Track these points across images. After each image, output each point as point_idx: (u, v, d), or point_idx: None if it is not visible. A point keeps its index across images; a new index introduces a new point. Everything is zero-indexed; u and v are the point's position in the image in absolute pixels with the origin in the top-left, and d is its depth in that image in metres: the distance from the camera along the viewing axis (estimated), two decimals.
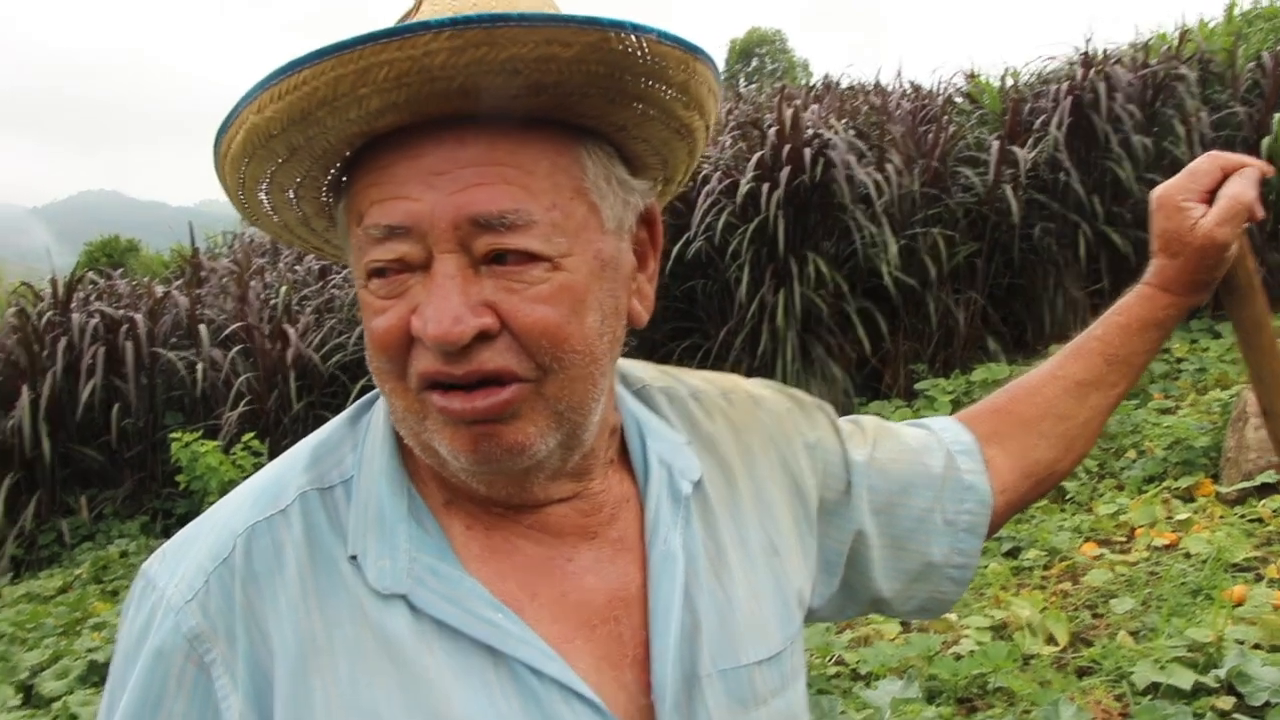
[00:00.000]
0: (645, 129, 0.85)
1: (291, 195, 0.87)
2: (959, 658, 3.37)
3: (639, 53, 0.76)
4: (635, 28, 0.75)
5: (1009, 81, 9.78)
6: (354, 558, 0.84)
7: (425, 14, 0.82)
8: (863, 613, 1.21)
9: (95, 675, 4.67)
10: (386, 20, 0.87)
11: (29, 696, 4.61)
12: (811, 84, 14.13)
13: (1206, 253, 1.17)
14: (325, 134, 0.78)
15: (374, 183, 0.79)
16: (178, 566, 0.86)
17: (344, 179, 0.84)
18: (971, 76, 10.23)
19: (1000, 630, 3.67)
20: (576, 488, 0.91)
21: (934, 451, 1.17)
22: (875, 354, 7.61)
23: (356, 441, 0.91)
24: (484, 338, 0.78)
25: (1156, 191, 1.22)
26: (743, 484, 1.01)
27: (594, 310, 0.82)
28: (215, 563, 0.84)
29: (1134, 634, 3.50)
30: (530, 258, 0.78)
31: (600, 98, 0.79)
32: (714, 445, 1.01)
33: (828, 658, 3.68)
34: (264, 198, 0.87)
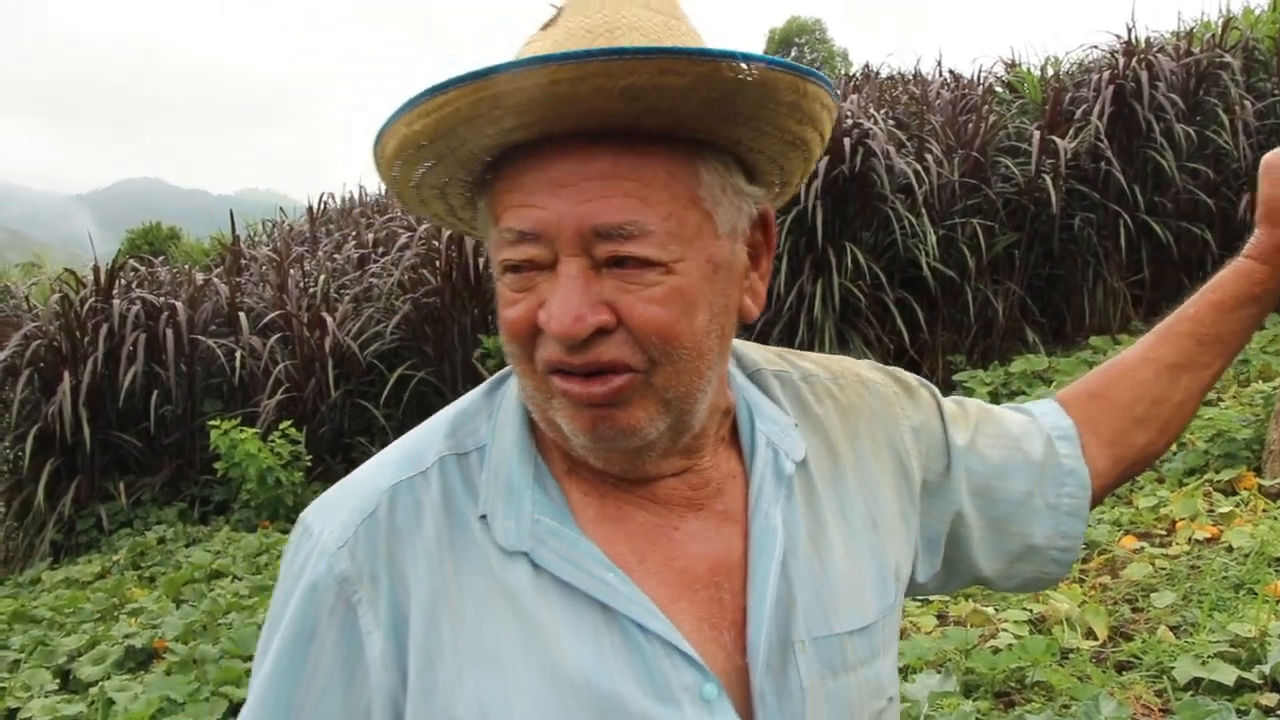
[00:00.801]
0: (760, 143, 0.92)
1: (439, 192, 0.97)
2: (996, 651, 3.33)
3: (749, 78, 0.83)
4: (745, 57, 0.82)
5: (1049, 71, 9.67)
6: (484, 517, 0.94)
7: (557, 37, 0.90)
8: (966, 587, 1.28)
9: (132, 661, 4.71)
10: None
11: (66, 681, 4.65)
12: (851, 73, 14.03)
13: None
14: (465, 145, 0.88)
15: (508, 189, 0.89)
16: (331, 517, 0.97)
17: (487, 177, 0.93)
18: (1012, 65, 10.12)
19: (1038, 624, 3.62)
20: (686, 464, 0.99)
21: (1034, 437, 1.20)
22: (913, 345, 7.56)
23: (491, 412, 1.01)
24: (601, 332, 0.86)
25: (1267, 157, 1.18)
26: (847, 462, 1.08)
27: (704, 309, 0.90)
28: (363, 516, 0.95)
29: (1174, 629, 3.45)
30: (646, 263, 0.86)
31: (714, 118, 0.86)
32: (821, 426, 1.08)
33: None
34: (415, 192, 0.97)
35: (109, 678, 4.46)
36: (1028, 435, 1.19)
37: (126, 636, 4.89)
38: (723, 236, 0.91)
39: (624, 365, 0.88)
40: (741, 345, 1.11)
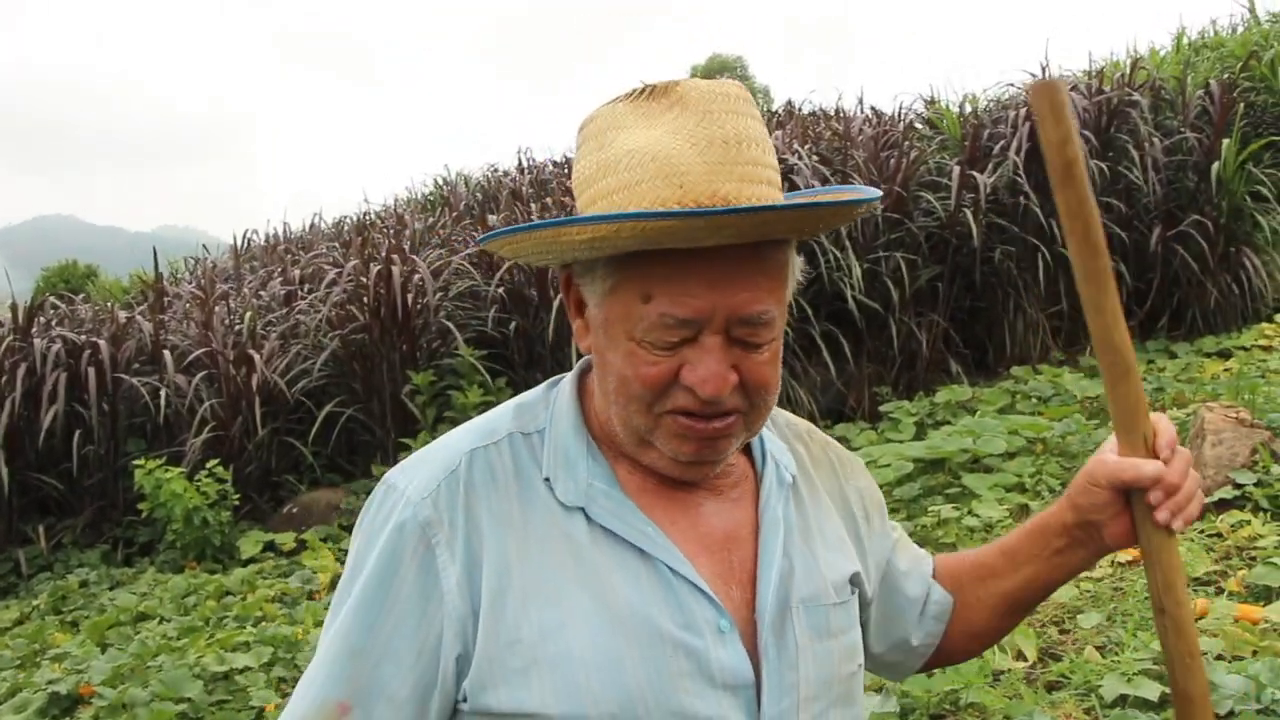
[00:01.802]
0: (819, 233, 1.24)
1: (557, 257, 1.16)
2: (931, 674, 3.40)
3: (864, 210, 1.16)
4: (869, 200, 1.14)
5: (968, 107, 9.94)
6: (547, 480, 1.16)
7: (692, 138, 1.07)
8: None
9: (56, 708, 4.59)
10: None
11: None
12: (774, 110, 14.26)
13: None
14: (646, 245, 1.05)
15: (668, 276, 1.07)
16: (416, 474, 1.17)
17: (627, 256, 1.09)
18: (931, 102, 10.39)
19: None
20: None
21: (923, 575, 1.48)
22: (839, 377, 7.67)
23: (548, 405, 1.24)
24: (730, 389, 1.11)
25: (1094, 462, 1.31)
26: (818, 489, 1.34)
27: (780, 361, 1.18)
28: (446, 473, 1.16)
29: (1100, 649, 3.55)
30: (765, 339, 1.12)
31: (825, 228, 1.20)
32: (801, 458, 1.35)
33: None
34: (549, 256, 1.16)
35: None
36: (921, 569, 1.48)
37: (50, 683, 4.75)
38: (788, 301, 1.18)
39: (734, 409, 1.13)
40: None
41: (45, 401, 7.77)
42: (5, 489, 7.49)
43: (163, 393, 7.90)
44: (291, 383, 8.03)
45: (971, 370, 8.15)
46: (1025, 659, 3.56)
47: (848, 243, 7.62)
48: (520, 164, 14.23)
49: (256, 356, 8.00)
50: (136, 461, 7.10)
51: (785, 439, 1.35)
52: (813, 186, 7.66)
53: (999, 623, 1.45)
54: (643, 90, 1.12)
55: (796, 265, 1.19)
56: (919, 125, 10.02)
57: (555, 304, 7.75)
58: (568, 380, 1.25)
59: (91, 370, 7.99)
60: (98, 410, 7.91)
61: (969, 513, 5.00)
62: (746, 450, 1.29)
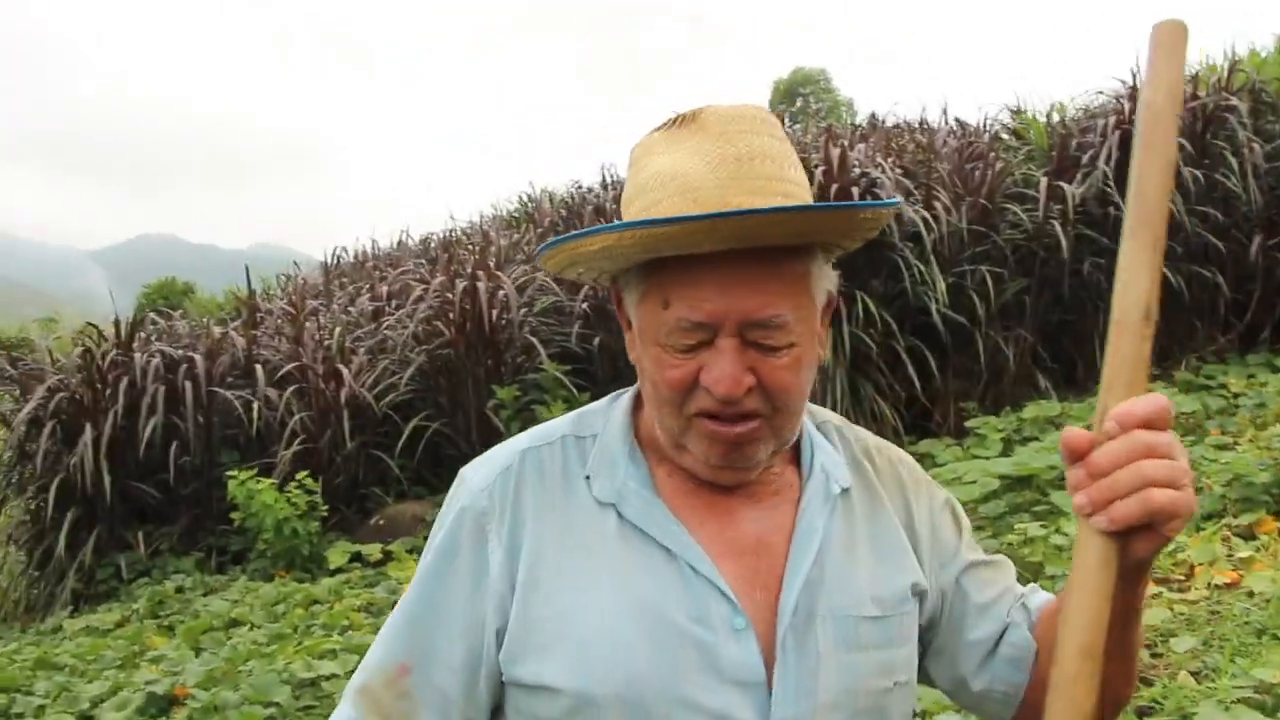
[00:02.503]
0: (844, 243, 1.23)
1: (595, 273, 1.25)
2: None
3: (871, 217, 1.17)
4: (869, 205, 1.16)
5: (1055, 117, 9.77)
6: (588, 478, 1.25)
7: (707, 157, 1.15)
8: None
9: (153, 707, 4.73)
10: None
11: None
12: (857, 123, 14.16)
13: None
14: (655, 254, 1.13)
15: (680, 284, 1.14)
16: (480, 469, 1.29)
17: (648, 264, 1.17)
18: (1017, 112, 10.23)
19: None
20: (759, 474, 1.27)
21: (1010, 597, 1.38)
22: (925, 392, 7.58)
23: (607, 415, 1.32)
24: (745, 390, 1.14)
25: None
26: (886, 502, 1.35)
27: (808, 368, 1.20)
28: (502, 469, 1.27)
29: (1195, 674, 3.44)
30: (781, 343, 1.15)
31: (834, 236, 1.19)
32: (867, 472, 1.36)
33: None
34: (580, 271, 1.24)
35: None
36: (999, 608, 1.35)
37: (148, 683, 4.90)
38: (818, 309, 1.21)
39: (756, 413, 1.16)
40: (814, 406, 1.38)
41: (145, 413, 8.03)
42: (107, 497, 7.75)
43: (255, 406, 8.11)
44: (379, 397, 8.19)
45: (1060, 385, 8.00)
46: None
47: (932, 256, 7.53)
48: (603, 180, 14.33)
49: (345, 371, 8.18)
50: (230, 472, 7.30)
51: (852, 454, 1.37)
52: (894, 198, 7.61)
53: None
54: (673, 119, 1.22)
55: (827, 276, 1.22)
56: (1005, 136, 9.88)
57: None
58: (630, 391, 1.34)
59: (188, 384, 8.24)
60: (194, 422, 8.15)
61: (1057, 531, 4.88)
62: (796, 462, 1.32)
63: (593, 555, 1.21)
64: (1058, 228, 7.80)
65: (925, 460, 6.63)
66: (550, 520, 1.23)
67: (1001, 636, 1.33)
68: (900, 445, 7.04)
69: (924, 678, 1.38)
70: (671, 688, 1.15)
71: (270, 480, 7.25)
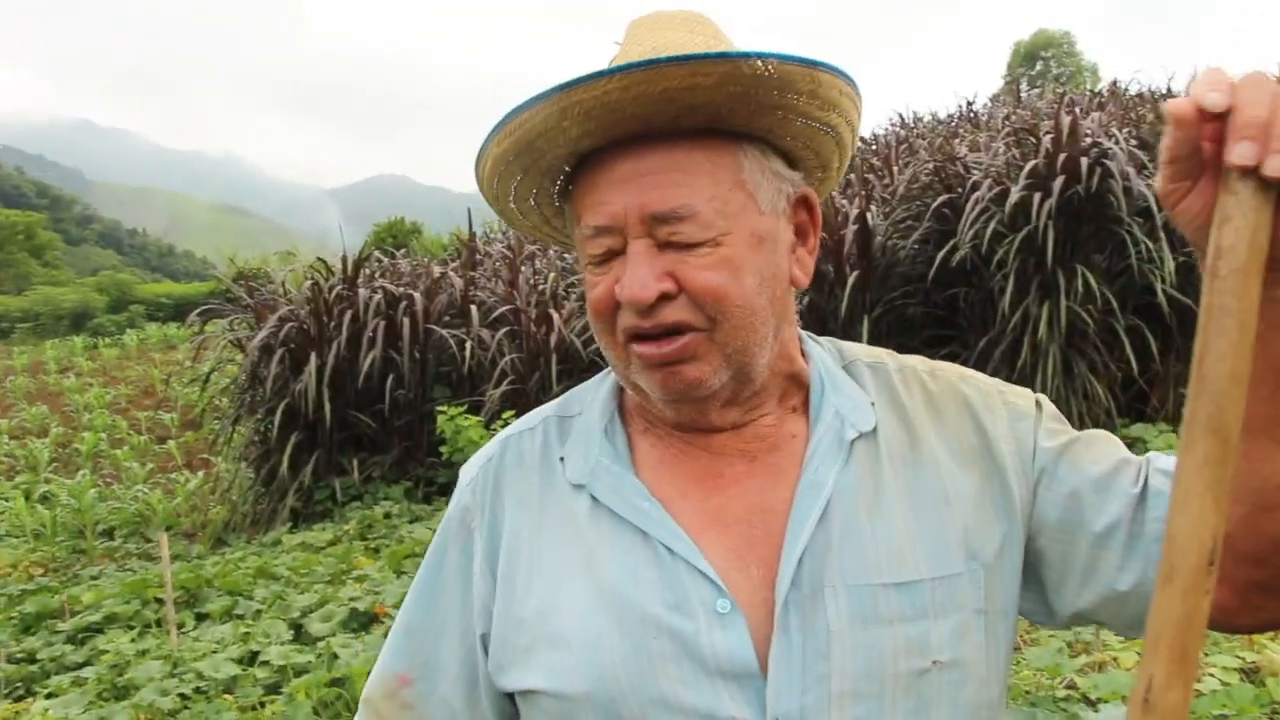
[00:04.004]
0: (788, 129, 1.06)
1: (532, 203, 1.15)
2: (1200, 695, 3.15)
3: (766, 73, 0.97)
4: (759, 55, 0.97)
5: None
6: (562, 459, 1.15)
7: (615, 62, 1.04)
8: (1086, 613, 1.11)
9: (355, 621, 5.04)
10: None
11: (299, 633, 5.03)
12: (1096, 89, 13.43)
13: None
14: (544, 156, 1.05)
15: (584, 193, 1.06)
16: (471, 464, 1.22)
17: (569, 187, 1.10)
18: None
19: (1251, 674, 3.40)
20: (746, 417, 1.13)
21: (1131, 467, 1.08)
22: (1143, 374, 7.18)
23: (595, 390, 1.22)
24: (666, 298, 1.02)
25: None
26: (925, 443, 1.12)
27: (751, 275, 1.04)
28: (485, 460, 1.20)
29: None
30: (697, 239, 1.02)
31: (744, 111, 1.01)
32: (904, 411, 1.14)
33: (1058, 679, 3.53)
34: (513, 205, 1.16)
35: (335, 634, 4.82)
36: (1120, 482, 1.07)
37: (352, 599, 5.24)
38: (765, 213, 1.06)
39: (688, 325, 1.02)
40: (849, 344, 1.23)
41: (365, 346, 8.49)
42: (328, 423, 8.24)
43: (468, 345, 8.43)
44: (587, 343, 8.36)
45: None
46: None
47: (1162, 233, 7.09)
48: None
49: (556, 316, 8.39)
50: (440, 408, 7.61)
51: (890, 389, 1.15)
52: (1125, 173, 7.20)
53: (1243, 521, 0.94)
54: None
55: (775, 173, 1.06)
56: None
57: (850, 280, 7.67)
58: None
59: (406, 320, 8.65)
60: (410, 357, 8.55)
61: None
62: (807, 410, 1.13)
63: (566, 543, 1.10)
64: None
65: (1135, 446, 6.30)
66: (528, 510, 1.14)
67: (1138, 512, 1.05)
68: (1111, 428, 6.71)
69: (1077, 619, 1.11)
70: (644, 685, 1.02)
71: (477, 418, 7.52)
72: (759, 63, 0.97)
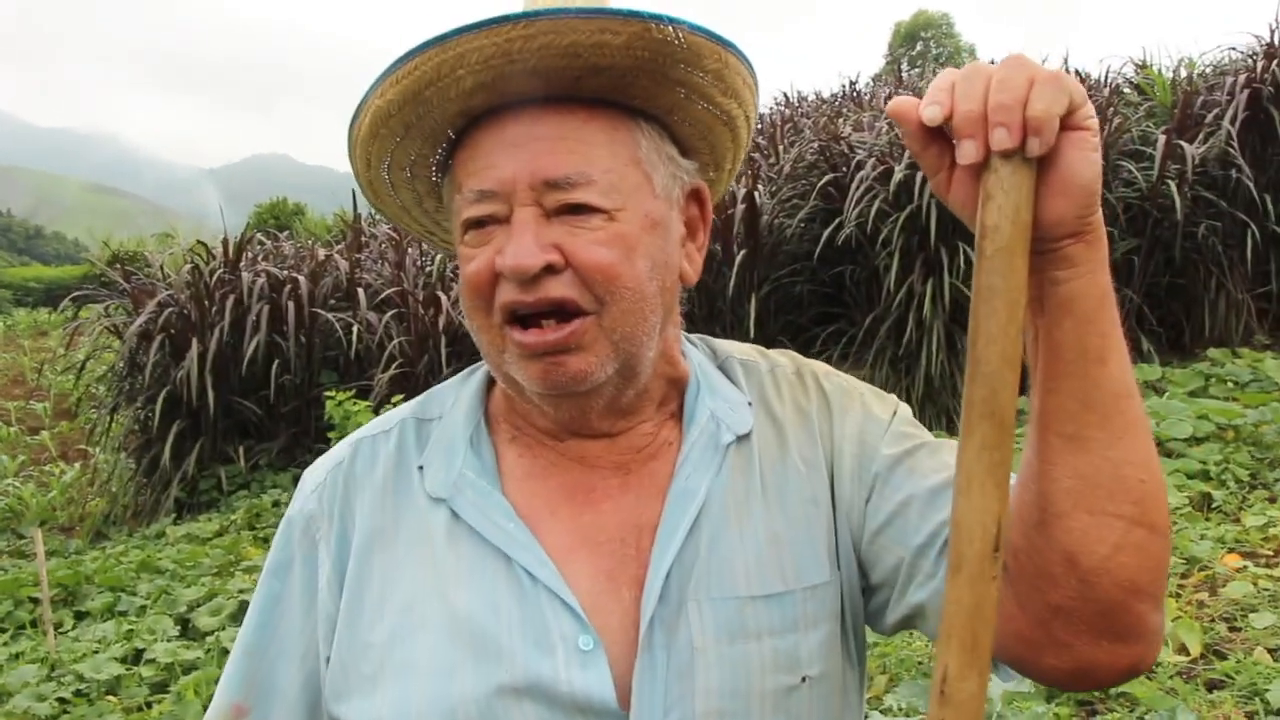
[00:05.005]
0: (688, 112, 1.02)
1: (408, 173, 1.06)
2: None
3: (676, 41, 0.93)
4: (671, 20, 0.92)
5: (1182, 73, 9.39)
6: (421, 468, 1.06)
7: (515, 8, 0.97)
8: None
9: (245, 614, 4.97)
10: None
11: (185, 629, 4.94)
12: None
13: None
14: (432, 112, 0.97)
15: (471, 157, 0.99)
16: (315, 468, 1.12)
17: (449, 161, 1.03)
18: (1142, 67, 9.85)
19: None
20: (625, 425, 1.06)
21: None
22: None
23: (457, 392, 1.13)
24: (552, 271, 0.94)
25: None
26: (793, 445, 1.08)
27: (643, 258, 0.98)
28: (334, 464, 1.10)
29: (1272, 651, 3.38)
30: (590, 209, 0.95)
31: (648, 81, 0.96)
32: (774, 410, 1.10)
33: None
34: (385, 175, 1.06)
35: (225, 628, 4.76)
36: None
37: (241, 591, 5.16)
38: (659, 198, 1.01)
39: (574, 304, 0.95)
40: (721, 341, 1.19)
41: (249, 331, 8.31)
42: (211, 411, 8.05)
43: (355, 328, 8.32)
44: None
45: (1164, 349, 7.77)
46: (1187, 653, 3.42)
47: None
48: None
49: (444, 298, 8.32)
50: (328, 393, 7.50)
51: (760, 387, 1.11)
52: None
53: (1033, 530, 0.89)
54: None
55: (672, 160, 1.03)
56: (1126, 90, 9.52)
57: (738, 259, 7.76)
58: (482, 369, 1.13)
59: (291, 304, 8.49)
60: (295, 342, 8.41)
61: None
62: (681, 415, 1.08)
63: (421, 565, 1.00)
64: (1173, 188, 7.53)
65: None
66: (380, 523, 1.04)
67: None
68: None
69: (902, 625, 1.06)
70: None
71: (367, 402, 7.42)
72: (670, 28, 0.92)
